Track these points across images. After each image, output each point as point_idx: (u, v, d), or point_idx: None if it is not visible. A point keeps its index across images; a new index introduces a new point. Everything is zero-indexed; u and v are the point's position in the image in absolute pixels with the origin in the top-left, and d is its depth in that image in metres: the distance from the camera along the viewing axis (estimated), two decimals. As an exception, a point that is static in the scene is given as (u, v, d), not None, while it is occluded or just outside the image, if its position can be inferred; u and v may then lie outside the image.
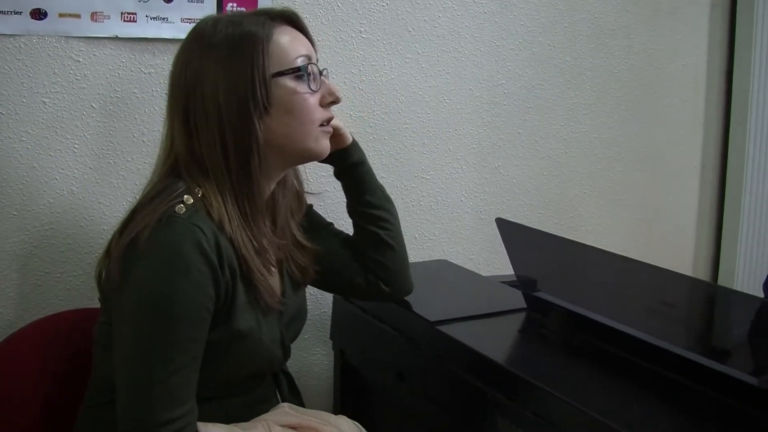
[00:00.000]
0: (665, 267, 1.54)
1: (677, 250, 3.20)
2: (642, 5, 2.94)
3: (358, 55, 2.33)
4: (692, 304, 1.64)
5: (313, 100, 1.49)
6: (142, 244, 1.34)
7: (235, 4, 2.04)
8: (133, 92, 2.02)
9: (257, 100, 1.42)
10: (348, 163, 1.71)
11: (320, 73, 1.52)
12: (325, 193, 1.87)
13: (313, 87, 1.49)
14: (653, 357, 1.57)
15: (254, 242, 1.47)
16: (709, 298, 1.69)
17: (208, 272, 1.36)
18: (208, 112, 1.42)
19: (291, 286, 1.65)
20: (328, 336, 2.28)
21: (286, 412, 1.60)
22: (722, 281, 3.24)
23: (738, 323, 1.57)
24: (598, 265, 1.76)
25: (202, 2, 2.01)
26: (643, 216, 3.07)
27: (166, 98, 1.49)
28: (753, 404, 1.39)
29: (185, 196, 1.39)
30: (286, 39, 1.47)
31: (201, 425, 1.40)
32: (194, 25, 1.50)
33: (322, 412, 1.65)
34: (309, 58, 1.49)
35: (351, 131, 1.70)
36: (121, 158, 2.04)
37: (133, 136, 2.03)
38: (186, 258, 1.34)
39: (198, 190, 1.41)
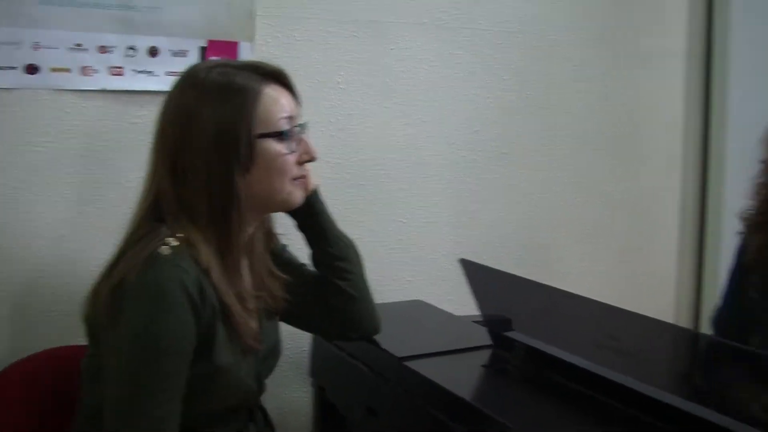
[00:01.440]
0: (645, 310, 1.62)
1: (658, 293, 3.26)
2: (618, 54, 3.05)
3: (337, 105, 2.45)
4: (645, 341, 1.73)
5: (292, 158, 1.61)
6: (129, 284, 1.44)
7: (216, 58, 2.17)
8: (120, 141, 2.13)
9: (241, 158, 1.54)
10: (308, 214, 1.78)
11: (301, 131, 1.63)
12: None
13: (292, 148, 1.60)
14: (611, 391, 1.66)
15: (235, 289, 1.57)
16: (663, 335, 1.78)
17: (191, 309, 1.46)
18: (196, 165, 1.52)
19: (266, 319, 1.73)
20: (308, 373, 2.37)
21: None
22: (705, 323, 3.30)
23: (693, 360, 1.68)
24: (557, 303, 1.85)
25: (186, 56, 2.14)
26: (622, 259, 3.15)
27: (153, 140, 1.59)
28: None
29: (169, 238, 1.50)
30: (273, 99, 1.58)
31: None
32: (187, 69, 1.62)
33: None
34: (292, 118, 1.60)
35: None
36: (109, 203, 2.14)
37: (120, 182, 2.13)
38: (171, 296, 1.44)
39: (181, 234, 1.51)
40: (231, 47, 2.20)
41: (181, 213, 1.54)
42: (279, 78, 1.62)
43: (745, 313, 1.95)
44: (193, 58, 2.15)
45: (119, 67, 2.10)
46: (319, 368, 2.31)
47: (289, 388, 2.45)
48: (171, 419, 1.46)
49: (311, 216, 1.78)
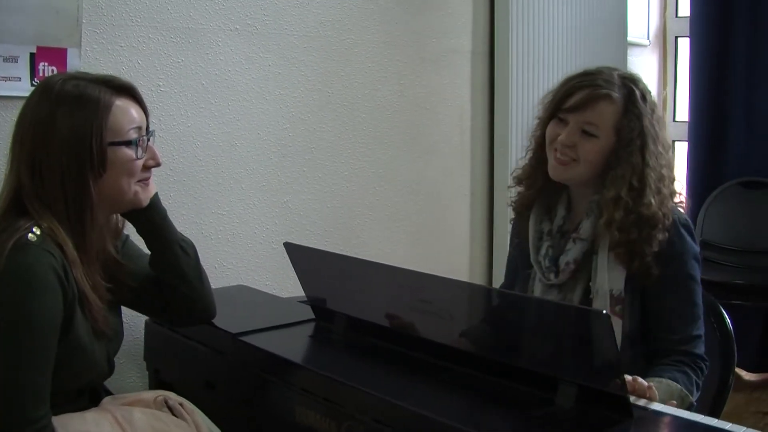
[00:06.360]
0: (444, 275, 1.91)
1: (454, 265, 3.64)
2: (409, 54, 3.37)
3: (158, 107, 2.60)
4: (445, 300, 2.00)
5: (139, 164, 1.79)
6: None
7: (46, 64, 2.29)
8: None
9: (94, 165, 1.71)
10: (148, 221, 1.92)
11: (148, 138, 1.81)
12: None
13: (140, 154, 1.78)
14: (419, 347, 1.93)
15: (90, 281, 1.73)
16: (461, 293, 2.07)
17: (59, 290, 1.63)
18: (52, 168, 1.69)
19: (110, 305, 1.88)
20: (143, 358, 2.53)
21: (115, 397, 1.90)
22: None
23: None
24: (371, 275, 2.11)
25: (17, 62, 2.25)
26: (421, 238, 3.49)
27: (11, 142, 1.74)
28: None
29: (34, 228, 1.65)
30: (122, 111, 1.75)
31: (55, 417, 1.65)
32: (43, 81, 1.79)
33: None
34: (140, 128, 1.79)
35: (154, 175, 1.93)
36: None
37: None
38: (42, 277, 1.61)
39: (44, 225, 1.66)
40: (60, 53, 2.32)
41: (43, 208, 1.69)
42: (129, 92, 1.80)
43: (511, 272, 2.30)
44: (23, 64, 2.26)
45: (-45, 71, 2.18)
46: (153, 351, 2.47)
47: (126, 375, 2.59)
48: (47, 389, 1.62)
49: (151, 222, 1.92)
